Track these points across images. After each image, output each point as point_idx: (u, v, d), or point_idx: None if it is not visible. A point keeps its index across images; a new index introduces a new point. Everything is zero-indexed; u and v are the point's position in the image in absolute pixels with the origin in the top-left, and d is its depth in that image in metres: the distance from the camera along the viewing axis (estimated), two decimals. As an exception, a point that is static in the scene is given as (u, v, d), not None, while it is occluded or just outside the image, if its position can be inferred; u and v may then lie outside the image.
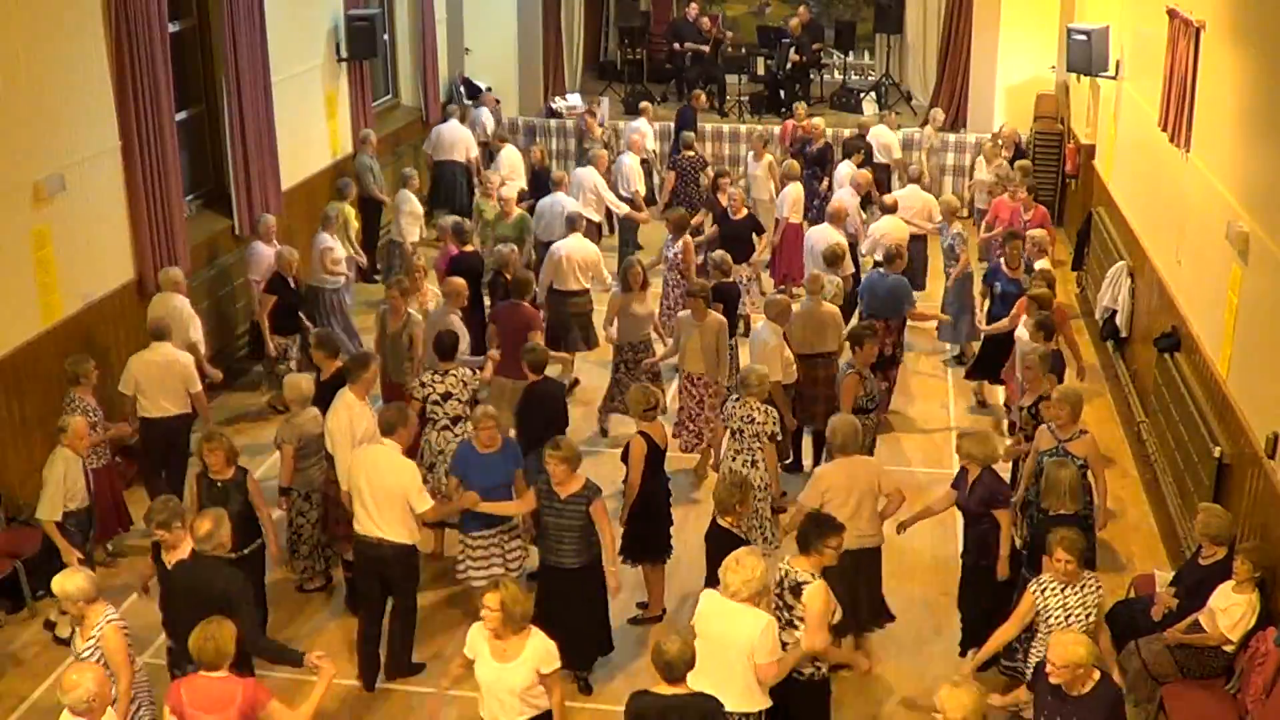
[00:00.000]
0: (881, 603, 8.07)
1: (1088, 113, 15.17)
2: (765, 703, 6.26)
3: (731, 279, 11.58)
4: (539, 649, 6.02)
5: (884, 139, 16.32)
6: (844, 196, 14.02)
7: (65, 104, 9.78)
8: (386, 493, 7.59)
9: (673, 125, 17.31)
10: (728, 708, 5.93)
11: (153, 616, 7.32)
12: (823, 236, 12.49)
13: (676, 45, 19.57)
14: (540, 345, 9.57)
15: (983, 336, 11.60)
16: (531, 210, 13.77)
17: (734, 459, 8.83)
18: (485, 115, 17.36)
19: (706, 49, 19.36)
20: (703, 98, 17.73)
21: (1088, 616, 6.67)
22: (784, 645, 6.33)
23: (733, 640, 6.10)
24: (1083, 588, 6.74)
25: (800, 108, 17.11)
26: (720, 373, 10.20)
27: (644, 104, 17.62)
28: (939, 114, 17.20)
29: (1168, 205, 10.55)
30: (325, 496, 8.58)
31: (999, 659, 7.65)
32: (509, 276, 11.25)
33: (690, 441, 10.33)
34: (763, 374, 8.88)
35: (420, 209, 14.16)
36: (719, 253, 11.79)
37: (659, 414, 8.44)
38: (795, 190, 14.07)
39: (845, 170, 14.95)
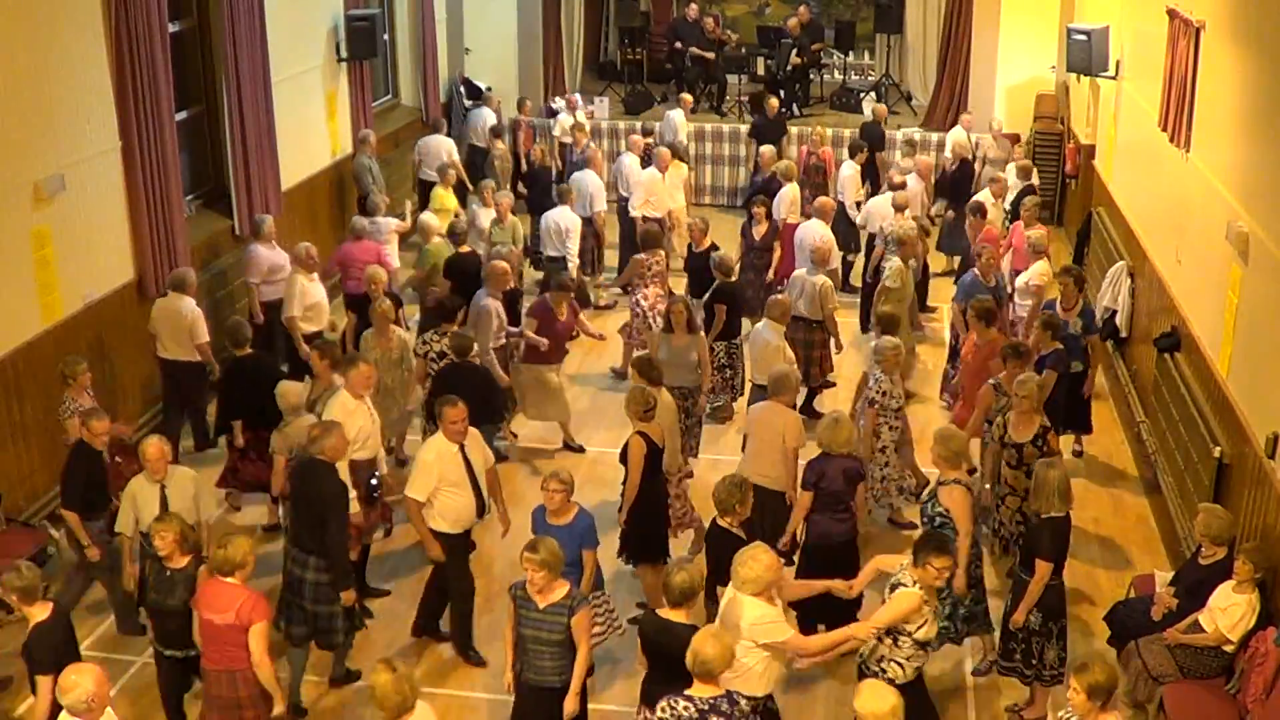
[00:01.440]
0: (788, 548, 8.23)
1: (1088, 113, 15.17)
2: (767, 688, 6.27)
3: (735, 279, 11.56)
4: None
5: (957, 137, 16.09)
6: (909, 181, 14.17)
7: (65, 104, 9.77)
8: None
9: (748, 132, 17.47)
10: (759, 694, 6.18)
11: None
12: (811, 232, 12.51)
13: (679, 44, 19.54)
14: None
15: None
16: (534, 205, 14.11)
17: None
18: (487, 116, 17.38)
19: (711, 55, 19.32)
20: (775, 103, 17.18)
21: None
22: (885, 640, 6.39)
23: (731, 626, 6.21)
24: None
25: (819, 132, 16.34)
26: (681, 456, 8.97)
27: (684, 95, 17.66)
28: (998, 122, 16.56)
29: (1168, 205, 10.54)
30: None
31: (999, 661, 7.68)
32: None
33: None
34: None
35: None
36: (721, 252, 11.81)
37: (653, 417, 8.40)
38: (792, 190, 14.07)
39: (848, 171, 14.97)
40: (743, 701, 5.82)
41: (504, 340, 10.75)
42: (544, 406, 10.93)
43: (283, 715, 6.81)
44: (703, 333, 10.62)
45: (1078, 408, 10.32)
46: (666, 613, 6.19)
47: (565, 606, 6.41)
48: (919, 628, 6.34)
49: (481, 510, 8.06)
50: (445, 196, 14.07)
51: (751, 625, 6.14)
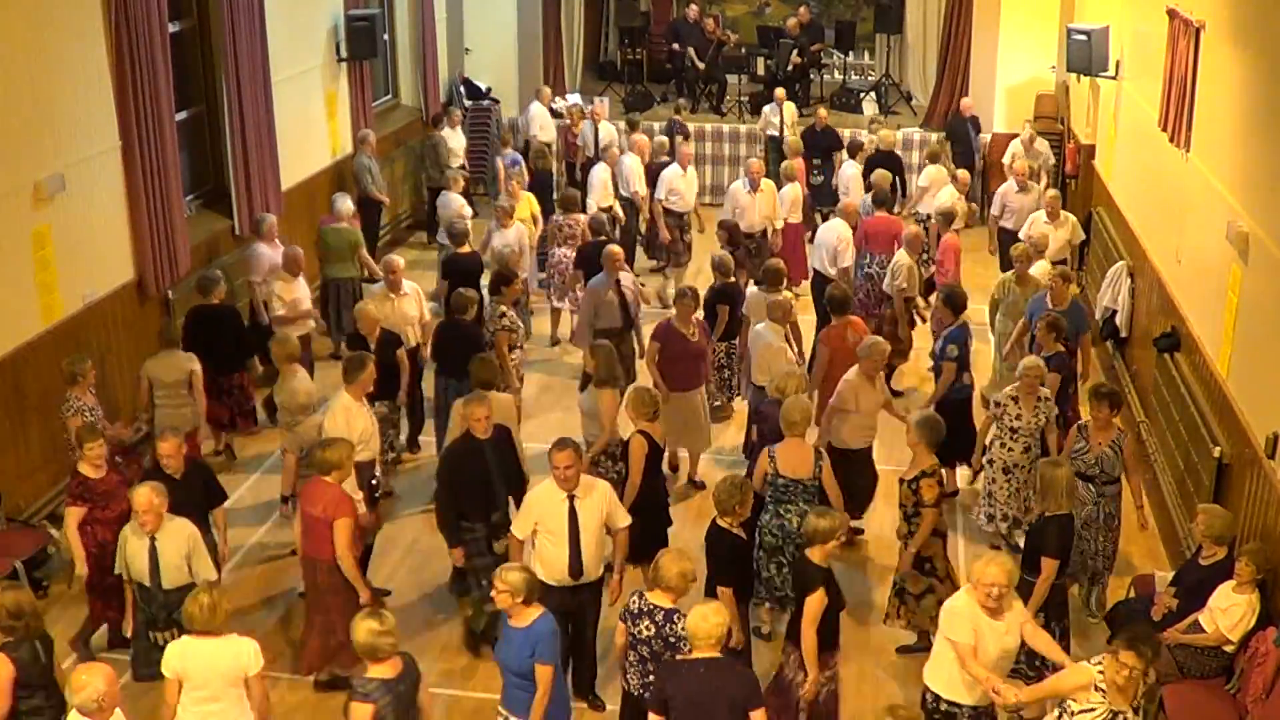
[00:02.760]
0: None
1: (1088, 113, 15.17)
2: (954, 694, 6.37)
3: (734, 280, 11.55)
4: None
5: (1015, 148, 15.65)
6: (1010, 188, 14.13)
7: (65, 104, 9.77)
8: None
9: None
10: (933, 687, 6.54)
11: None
12: (831, 232, 12.52)
13: (676, 45, 19.54)
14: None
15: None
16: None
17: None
18: (535, 112, 17.16)
19: (705, 62, 19.31)
20: (824, 113, 16.75)
21: None
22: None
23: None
24: None
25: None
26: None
27: (779, 90, 17.43)
28: (1030, 132, 15.76)
29: (1168, 205, 10.55)
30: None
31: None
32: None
33: None
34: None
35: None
36: (721, 253, 11.80)
37: (658, 418, 8.39)
38: (794, 190, 14.09)
39: (850, 170, 14.97)
40: (680, 624, 6.20)
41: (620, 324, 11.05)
42: (681, 434, 10.17)
43: (369, 603, 7.22)
44: (611, 388, 9.00)
45: (966, 432, 9.67)
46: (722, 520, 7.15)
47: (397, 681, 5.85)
48: (1081, 710, 5.92)
49: (578, 571, 7.26)
50: (530, 198, 13.99)
51: (946, 610, 6.38)
